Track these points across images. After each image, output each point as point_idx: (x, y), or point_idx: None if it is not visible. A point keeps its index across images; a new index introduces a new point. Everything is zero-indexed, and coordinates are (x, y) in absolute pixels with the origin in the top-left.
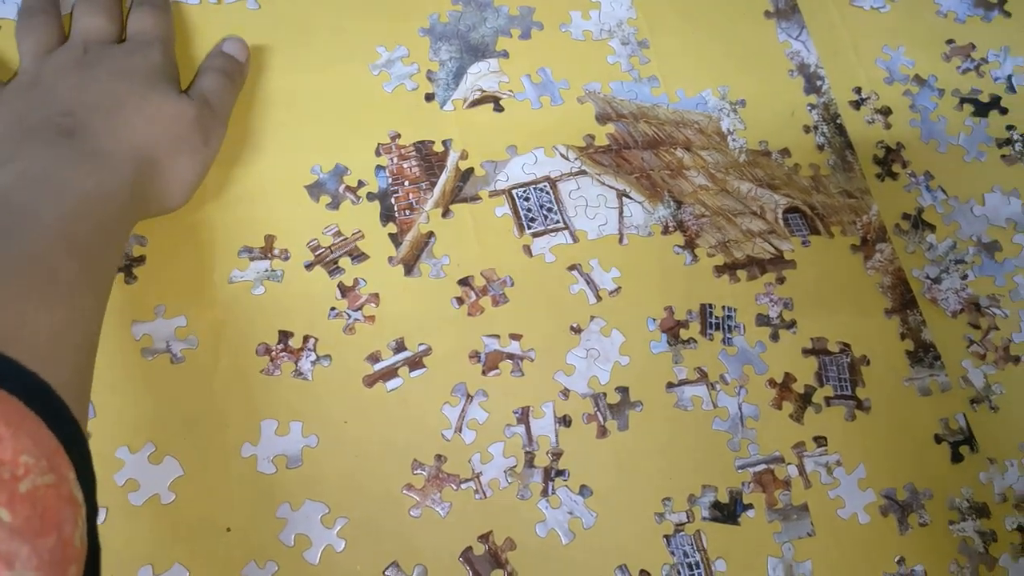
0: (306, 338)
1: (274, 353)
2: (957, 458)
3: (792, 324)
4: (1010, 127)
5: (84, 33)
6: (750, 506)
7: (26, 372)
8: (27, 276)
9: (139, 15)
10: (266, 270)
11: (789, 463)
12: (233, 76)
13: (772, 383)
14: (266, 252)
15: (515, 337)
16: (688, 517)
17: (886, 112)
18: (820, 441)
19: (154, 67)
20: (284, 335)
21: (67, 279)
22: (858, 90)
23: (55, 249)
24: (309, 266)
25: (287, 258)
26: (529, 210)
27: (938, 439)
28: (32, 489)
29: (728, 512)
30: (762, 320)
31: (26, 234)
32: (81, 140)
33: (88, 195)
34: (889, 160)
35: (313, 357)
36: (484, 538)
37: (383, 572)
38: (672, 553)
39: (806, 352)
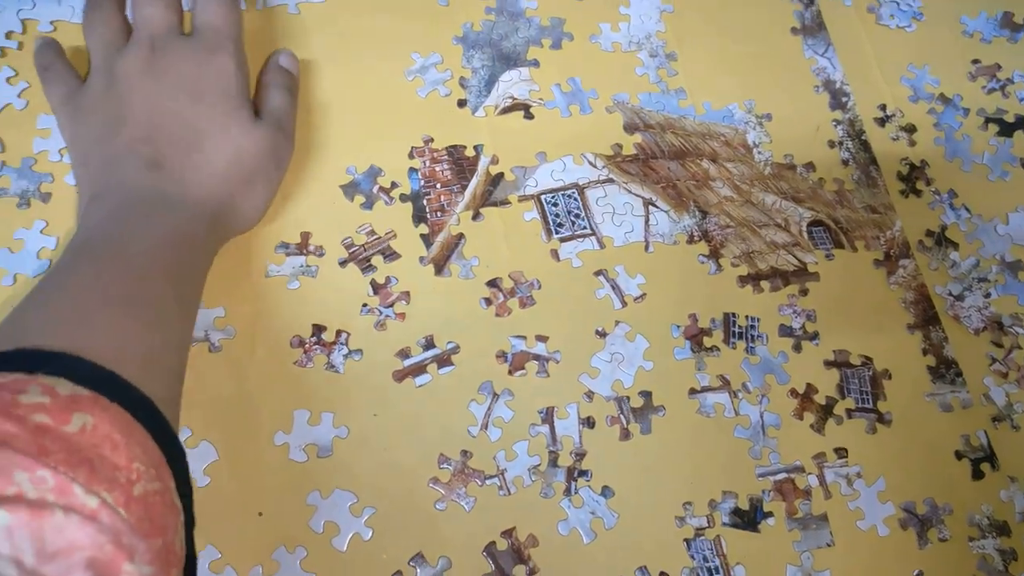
0: (339, 332)
1: (307, 346)
2: (978, 475)
3: (815, 336)
4: None
5: (148, 26)
6: (770, 514)
7: (132, 388)
8: (129, 302)
9: (207, 5)
10: (302, 265)
11: (809, 473)
12: (294, 92)
13: (794, 393)
14: (302, 248)
15: (541, 339)
16: (708, 522)
17: (911, 130)
18: (841, 452)
19: (229, 83)
20: (318, 328)
21: (163, 306)
22: (883, 107)
23: (152, 278)
24: (343, 263)
25: (322, 255)
26: (557, 215)
27: (959, 455)
28: (143, 494)
29: (748, 519)
30: (785, 331)
31: (126, 263)
32: (166, 176)
33: (176, 230)
34: (913, 177)
35: (345, 351)
36: (507, 533)
37: (408, 562)
38: (692, 557)
39: (828, 364)
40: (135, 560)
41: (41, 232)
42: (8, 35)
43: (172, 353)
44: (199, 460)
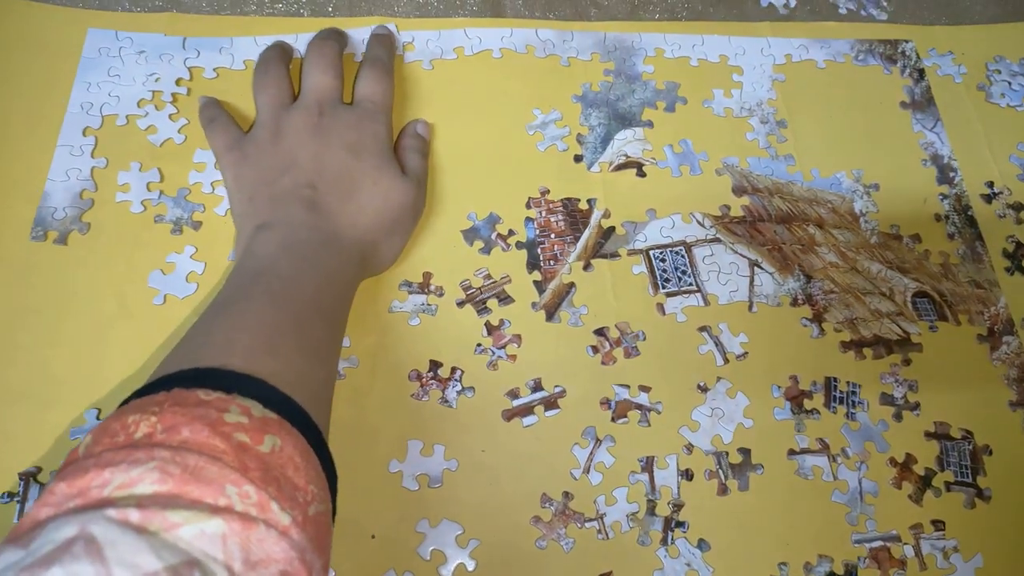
0: (453, 369)
1: (424, 380)
2: None
3: (916, 406)
4: None
5: (316, 92)
6: None
7: (306, 415)
8: (300, 336)
9: (370, 80)
10: (422, 304)
11: (906, 543)
12: (426, 155)
13: (893, 462)
14: (423, 287)
15: (644, 389)
16: None
17: (1018, 208)
18: (938, 525)
19: (381, 143)
20: (434, 364)
21: (324, 343)
22: (990, 184)
23: (315, 317)
24: (460, 304)
25: (441, 295)
26: (664, 271)
27: None
28: (316, 515)
29: None
30: (886, 399)
31: (295, 301)
32: (324, 218)
33: (332, 272)
34: (1019, 255)
35: (459, 387)
36: None
37: None
38: None
39: (928, 435)
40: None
41: (191, 257)
42: (178, 82)
43: (328, 386)
44: None
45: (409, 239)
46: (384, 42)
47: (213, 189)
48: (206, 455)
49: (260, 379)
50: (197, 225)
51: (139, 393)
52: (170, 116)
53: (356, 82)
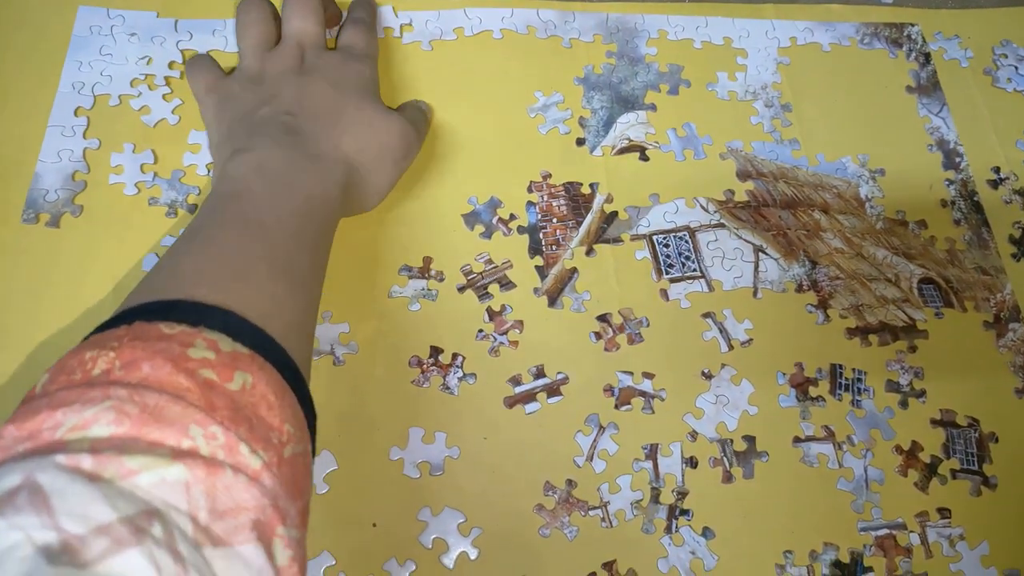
0: (455, 355)
1: (425, 366)
2: None
3: (922, 393)
4: None
5: (298, 36)
6: (870, 569)
7: (281, 349)
8: (274, 263)
9: (353, 31)
10: (423, 289)
11: (911, 531)
12: (428, 118)
13: (899, 449)
14: (424, 272)
15: (648, 375)
16: (809, 572)
17: None
18: (944, 512)
19: (366, 81)
20: (435, 350)
21: (301, 270)
22: (996, 170)
23: (291, 242)
24: (461, 289)
25: (442, 279)
26: (668, 256)
27: None
28: (292, 456)
29: (848, 573)
30: (892, 386)
31: (270, 226)
32: (304, 140)
33: (312, 195)
34: None
35: (460, 374)
36: (608, 566)
37: None
38: None
39: (934, 423)
40: (286, 523)
41: None
42: (170, 65)
43: (308, 316)
44: (320, 468)
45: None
46: (365, 5)
47: (208, 171)
48: (168, 393)
49: (229, 310)
50: (192, 208)
51: (100, 328)
52: (164, 96)
53: (339, 36)
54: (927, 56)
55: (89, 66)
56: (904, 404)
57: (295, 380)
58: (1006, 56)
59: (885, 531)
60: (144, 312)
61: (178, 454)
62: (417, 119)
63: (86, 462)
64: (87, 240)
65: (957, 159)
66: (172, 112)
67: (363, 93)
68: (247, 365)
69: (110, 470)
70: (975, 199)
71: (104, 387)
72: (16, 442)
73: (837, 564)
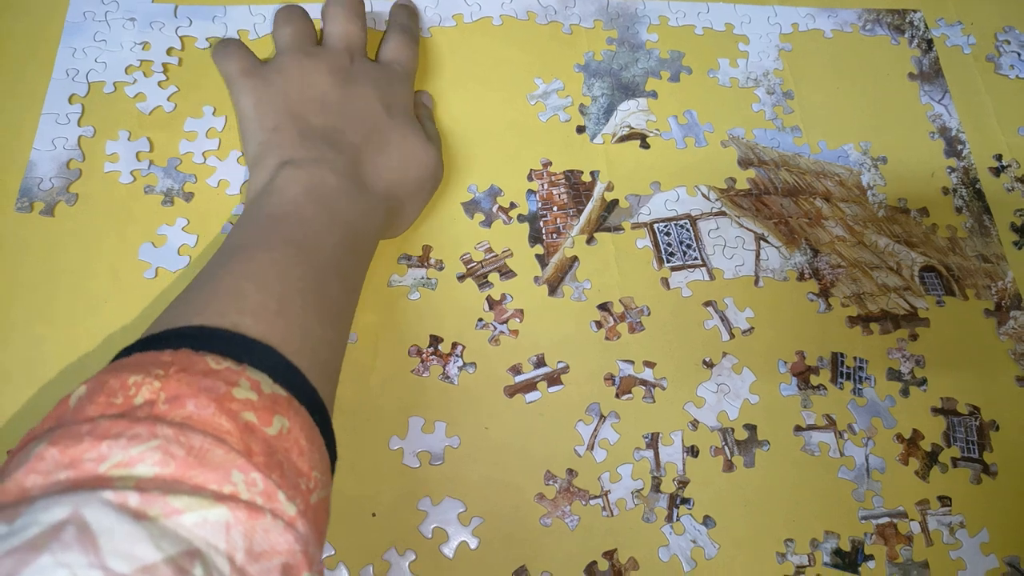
0: (454, 344)
1: (425, 355)
2: None
3: (923, 382)
4: None
5: (344, 39)
6: (871, 557)
7: (313, 390)
8: (313, 295)
9: (398, 44)
10: (422, 278)
11: (912, 519)
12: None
13: (900, 438)
14: (423, 261)
15: (649, 364)
16: (810, 561)
17: None
18: (944, 500)
19: (407, 106)
20: (435, 340)
21: (338, 305)
22: (999, 157)
23: (331, 275)
24: (461, 278)
25: (441, 268)
26: (669, 244)
27: None
28: (317, 502)
29: (849, 561)
30: (893, 375)
31: (313, 256)
32: (354, 166)
33: (356, 229)
34: None
35: (460, 363)
36: (609, 555)
37: (512, 574)
38: None
39: (935, 411)
40: (312, 569)
41: (183, 230)
42: (169, 51)
43: (338, 353)
44: None
45: (424, 208)
46: (409, 10)
47: (205, 159)
48: (211, 436)
49: (271, 347)
50: (189, 196)
51: (143, 343)
52: (159, 83)
53: (382, 45)
54: (929, 43)
55: (83, 52)
56: (905, 392)
57: (322, 421)
58: (1009, 42)
59: (886, 519)
60: (190, 337)
61: (221, 497)
62: (438, 137)
63: (133, 500)
64: (82, 229)
65: (959, 146)
66: (168, 99)
67: (407, 118)
68: (285, 409)
69: (155, 509)
70: (977, 187)
71: (150, 424)
72: (58, 467)
73: (838, 552)
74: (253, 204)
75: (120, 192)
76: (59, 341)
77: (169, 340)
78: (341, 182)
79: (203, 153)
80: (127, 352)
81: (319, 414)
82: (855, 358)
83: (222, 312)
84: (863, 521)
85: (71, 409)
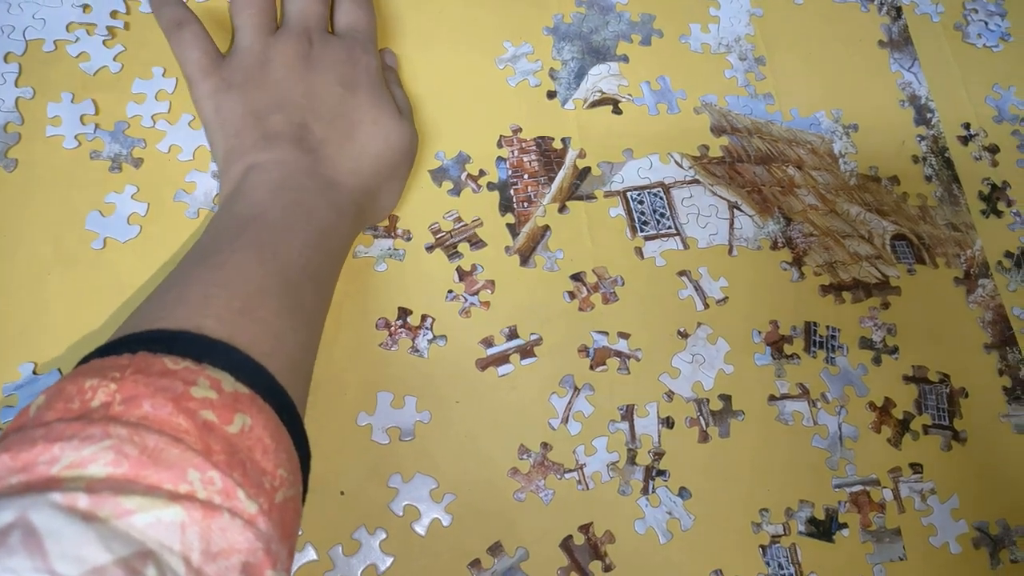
0: (424, 317)
1: (393, 329)
2: None
3: (895, 350)
4: None
5: (304, 19)
6: (845, 525)
7: (281, 390)
8: (282, 297)
9: (351, 7)
10: (389, 248)
11: (884, 487)
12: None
13: (872, 406)
14: (390, 231)
15: (623, 335)
16: (784, 530)
17: (993, 150)
18: (916, 468)
19: (374, 77)
20: (403, 312)
21: (307, 306)
22: (967, 126)
23: (301, 276)
24: (430, 248)
25: (409, 239)
26: (642, 213)
27: None
28: (283, 501)
29: (823, 529)
30: (865, 343)
31: (282, 258)
32: (322, 163)
33: (324, 228)
34: (994, 197)
35: (430, 336)
36: (584, 529)
37: (486, 551)
38: (767, 564)
39: (907, 379)
40: (276, 567)
41: (132, 197)
42: (113, 15)
43: (309, 354)
44: None
45: (405, 184)
46: None
47: (154, 123)
48: (167, 435)
49: (234, 346)
50: (138, 162)
51: (102, 351)
52: (104, 43)
53: (336, 11)
54: (898, 10)
55: (19, 8)
56: (877, 361)
57: (292, 421)
58: (976, 11)
59: (859, 487)
60: (148, 341)
61: (175, 497)
62: (407, 105)
63: (82, 501)
64: (24, 196)
65: (928, 115)
66: (114, 59)
67: (374, 93)
68: (247, 407)
69: (106, 510)
70: (946, 155)
71: (104, 424)
72: (10, 472)
73: (812, 521)
74: (221, 209)
75: (64, 158)
76: (2, 317)
77: (129, 344)
78: (307, 181)
79: (152, 116)
80: (87, 359)
81: (288, 413)
82: (828, 327)
83: (186, 315)
84: (837, 489)
85: (31, 418)
